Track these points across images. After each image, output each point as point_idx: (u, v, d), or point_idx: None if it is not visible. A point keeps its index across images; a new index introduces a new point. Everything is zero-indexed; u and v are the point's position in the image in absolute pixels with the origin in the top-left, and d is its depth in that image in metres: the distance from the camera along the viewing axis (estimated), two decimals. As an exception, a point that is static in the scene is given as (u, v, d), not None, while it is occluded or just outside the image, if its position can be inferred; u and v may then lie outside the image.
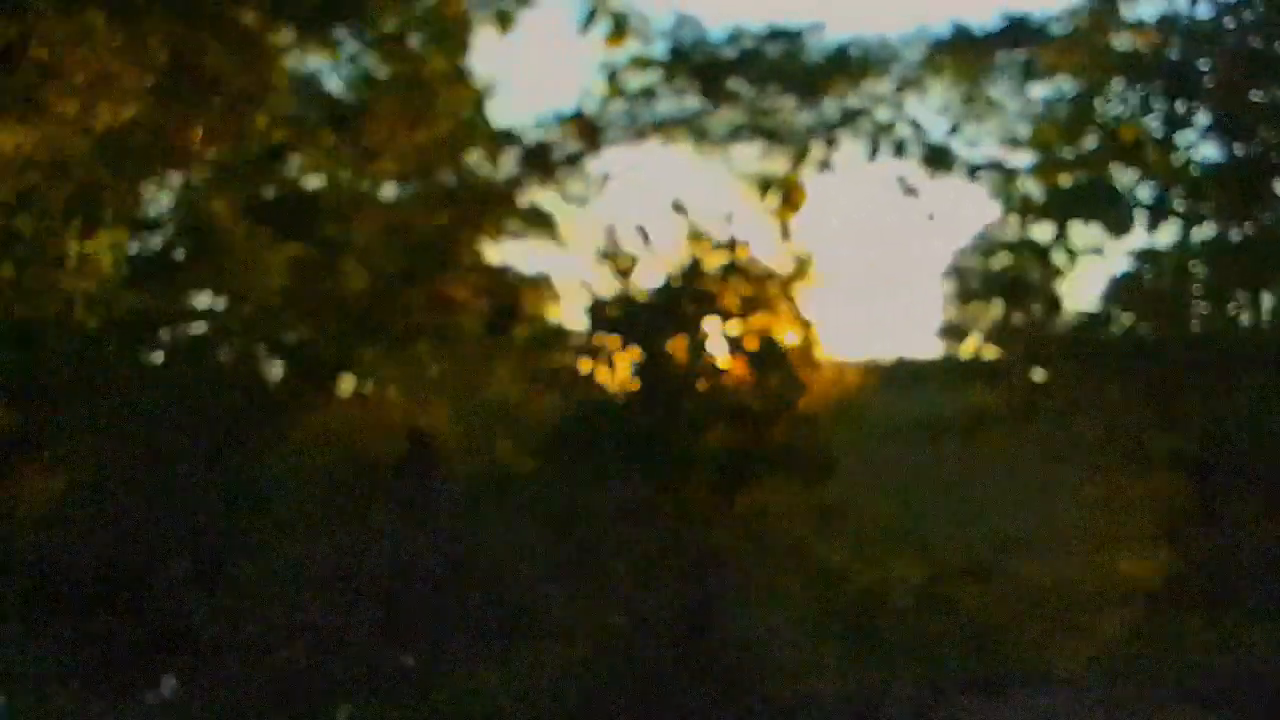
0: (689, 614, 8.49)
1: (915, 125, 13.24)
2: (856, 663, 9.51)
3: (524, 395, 14.81)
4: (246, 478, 13.35)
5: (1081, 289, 13.19)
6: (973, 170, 12.90)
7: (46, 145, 14.10)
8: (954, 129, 12.97)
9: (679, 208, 13.79)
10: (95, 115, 13.63)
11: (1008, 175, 13.27)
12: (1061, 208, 12.86)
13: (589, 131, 13.93)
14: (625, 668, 8.00)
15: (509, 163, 14.40)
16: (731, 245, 13.20)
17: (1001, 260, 13.27)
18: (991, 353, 13.54)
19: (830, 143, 13.59)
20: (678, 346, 13.14)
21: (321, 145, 14.75)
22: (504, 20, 15.21)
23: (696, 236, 13.67)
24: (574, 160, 14.12)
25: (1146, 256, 12.75)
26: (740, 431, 12.61)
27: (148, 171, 13.85)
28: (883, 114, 13.49)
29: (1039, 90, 13.61)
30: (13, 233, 15.14)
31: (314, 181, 14.78)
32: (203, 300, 15.38)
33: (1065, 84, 13.46)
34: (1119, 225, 12.60)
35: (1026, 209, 13.00)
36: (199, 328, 15.02)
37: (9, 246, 15.42)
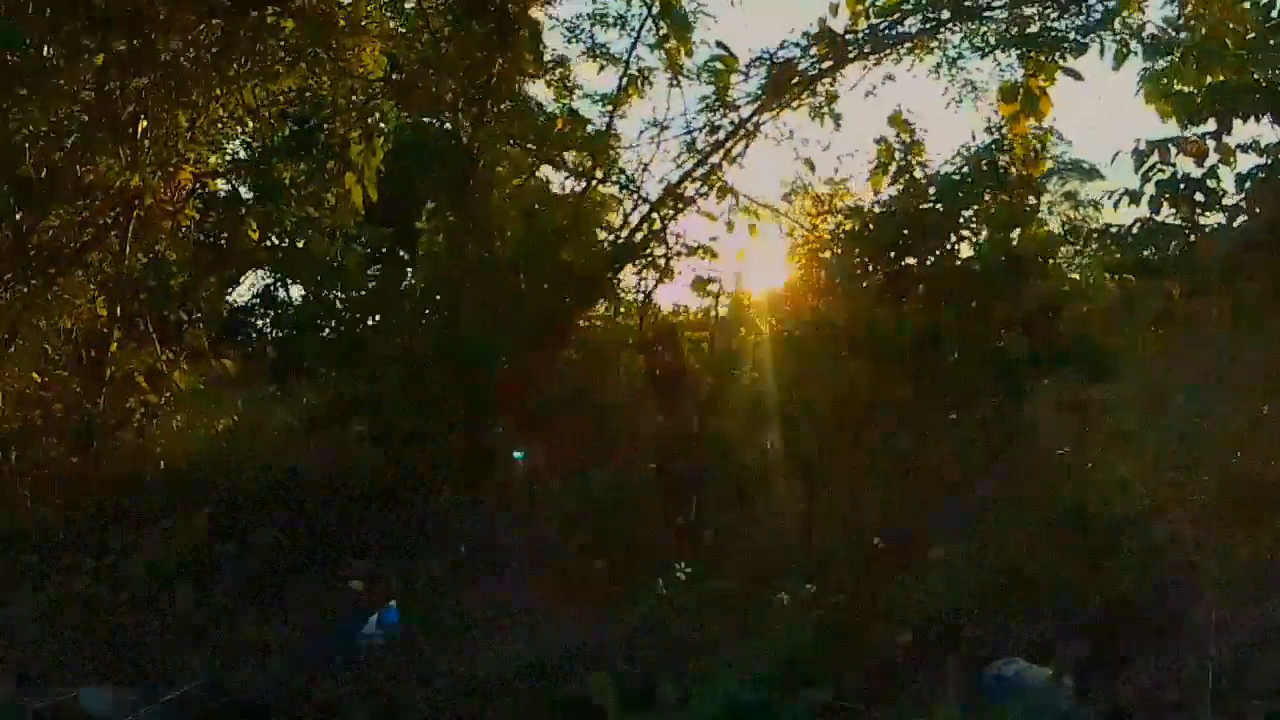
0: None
1: (1169, 28, 13.18)
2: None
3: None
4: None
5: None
6: None
7: (310, 91, 14.77)
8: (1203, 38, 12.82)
9: (903, 121, 14.06)
10: (358, 62, 14.22)
11: (1168, 69, 13.10)
12: (1226, 102, 12.65)
13: (837, 49, 14.14)
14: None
15: (752, 85, 14.73)
16: (991, 153, 13.41)
17: None
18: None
19: (1079, 50, 13.65)
20: (947, 253, 13.44)
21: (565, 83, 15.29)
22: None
23: (920, 150, 13.97)
24: (820, 78, 14.40)
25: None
26: (1021, 332, 12.85)
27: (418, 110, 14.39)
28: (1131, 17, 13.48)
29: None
30: (276, 176, 15.94)
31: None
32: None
33: None
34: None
35: (1187, 106, 12.77)
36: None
37: (272, 190, 16.25)
